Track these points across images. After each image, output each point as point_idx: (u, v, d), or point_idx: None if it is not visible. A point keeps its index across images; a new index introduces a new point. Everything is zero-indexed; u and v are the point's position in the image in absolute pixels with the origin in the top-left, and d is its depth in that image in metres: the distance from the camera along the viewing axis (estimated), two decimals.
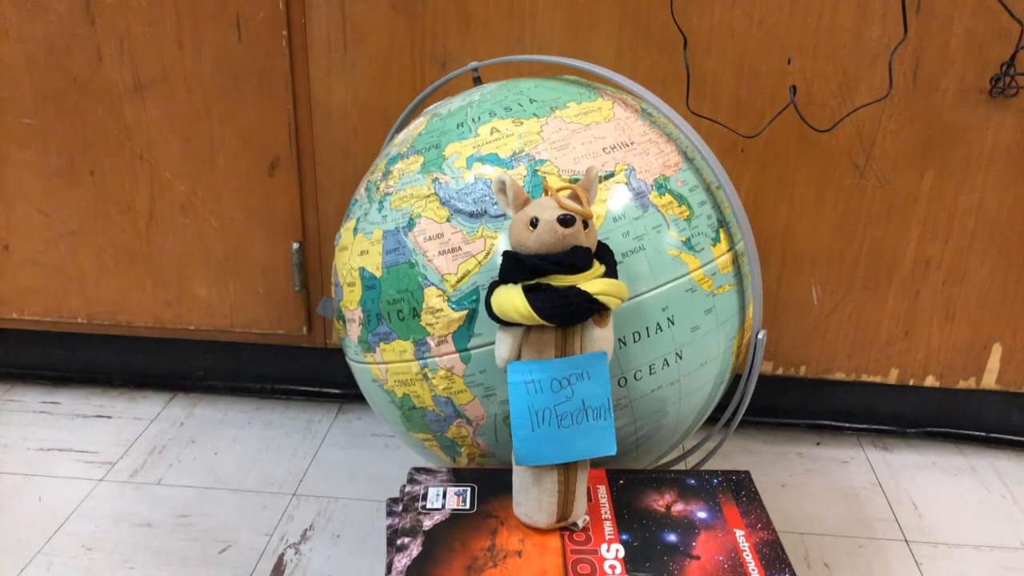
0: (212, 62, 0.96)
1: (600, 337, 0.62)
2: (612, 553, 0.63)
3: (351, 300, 0.74)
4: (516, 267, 0.60)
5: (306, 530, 0.91)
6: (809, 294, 1.00)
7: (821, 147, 0.93)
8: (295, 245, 1.03)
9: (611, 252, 0.63)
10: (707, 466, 1.02)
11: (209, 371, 1.17)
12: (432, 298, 0.68)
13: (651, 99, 0.75)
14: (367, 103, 0.96)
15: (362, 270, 0.73)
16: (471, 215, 0.68)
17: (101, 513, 0.93)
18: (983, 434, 1.08)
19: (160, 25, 0.95)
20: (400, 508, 0.68)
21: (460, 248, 0.68)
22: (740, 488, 0.70)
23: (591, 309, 0.60)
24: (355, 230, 0.74)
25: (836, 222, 0.96)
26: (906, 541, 0.91)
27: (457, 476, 0.70)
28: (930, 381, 1.03)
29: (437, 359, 0.69)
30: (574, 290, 0.59)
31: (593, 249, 0.61)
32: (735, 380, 1.05)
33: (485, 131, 0.71)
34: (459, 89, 0.93)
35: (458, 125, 0.73)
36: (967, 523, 0.94)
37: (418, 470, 0.71)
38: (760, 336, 0.76)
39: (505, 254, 0.61)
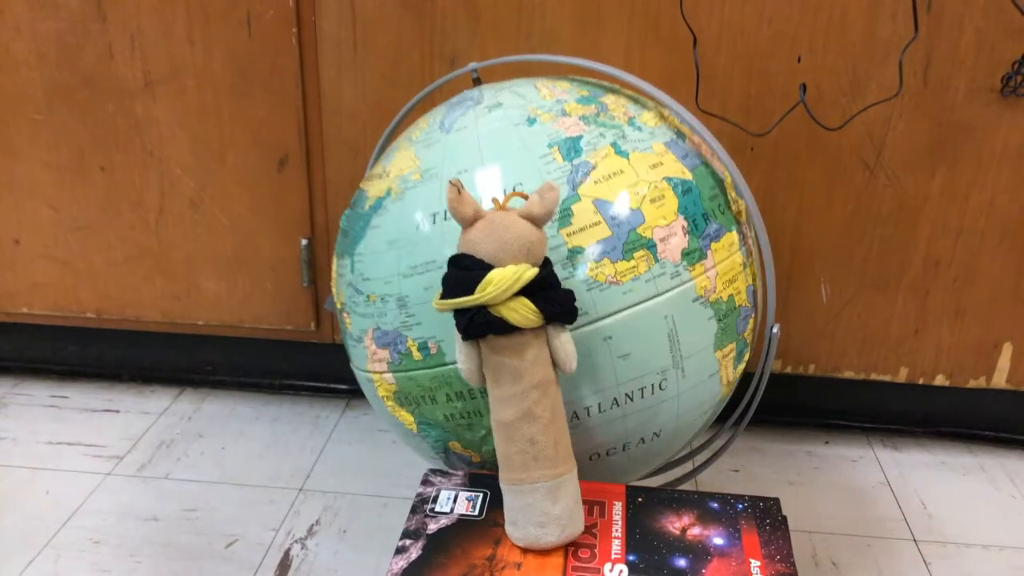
0: (222, 59, 0.96)
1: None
2: (615, 573, 0.60)
3: (663, 215, 0.68)
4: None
5: (312, 525, 0.91)
6: (818, 292, 0.99)
7: (831, 146, 0.93)
8: (304, 241, 1.03)
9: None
10: (715, 464, 1.02)
11: (217, 366, 1.17)
12: (730, 190, 0.74)
13: (662, 98, 0.75)
14: (376, 100, 0.96)
15: (669, 179, 0.69)
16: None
17: (108, 507, 0.93)
18: (993, 433, 1.07)
19: (171, 22, 0.95)
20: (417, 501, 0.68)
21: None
22: (766, 516, 0.66)
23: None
24: (620, 152, 0.69)
25: (846, 221, 0.96)
26: (915, 540, 0.91)
27: (472, 481, 0.69)
28: (940, 380, 1.02)
29: (750, 246, 0.74)
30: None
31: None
32: (743, 380, 1.05)
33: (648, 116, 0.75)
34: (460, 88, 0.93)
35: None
36: (976, 523, 0.94)
37: (434, 471, 0.70)
38: (775, 330, 0.75)
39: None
